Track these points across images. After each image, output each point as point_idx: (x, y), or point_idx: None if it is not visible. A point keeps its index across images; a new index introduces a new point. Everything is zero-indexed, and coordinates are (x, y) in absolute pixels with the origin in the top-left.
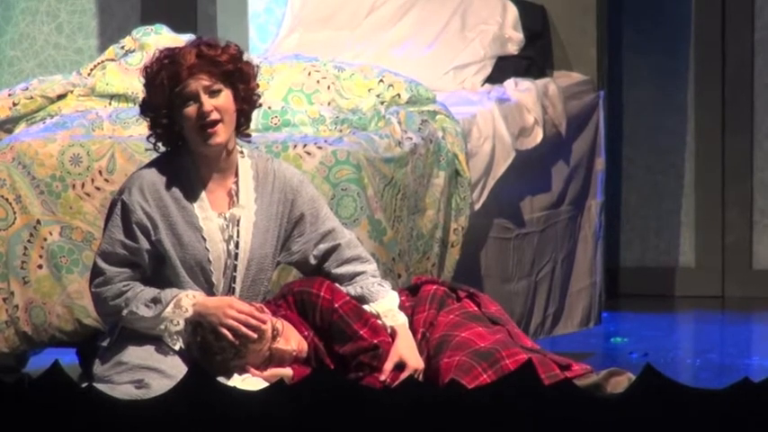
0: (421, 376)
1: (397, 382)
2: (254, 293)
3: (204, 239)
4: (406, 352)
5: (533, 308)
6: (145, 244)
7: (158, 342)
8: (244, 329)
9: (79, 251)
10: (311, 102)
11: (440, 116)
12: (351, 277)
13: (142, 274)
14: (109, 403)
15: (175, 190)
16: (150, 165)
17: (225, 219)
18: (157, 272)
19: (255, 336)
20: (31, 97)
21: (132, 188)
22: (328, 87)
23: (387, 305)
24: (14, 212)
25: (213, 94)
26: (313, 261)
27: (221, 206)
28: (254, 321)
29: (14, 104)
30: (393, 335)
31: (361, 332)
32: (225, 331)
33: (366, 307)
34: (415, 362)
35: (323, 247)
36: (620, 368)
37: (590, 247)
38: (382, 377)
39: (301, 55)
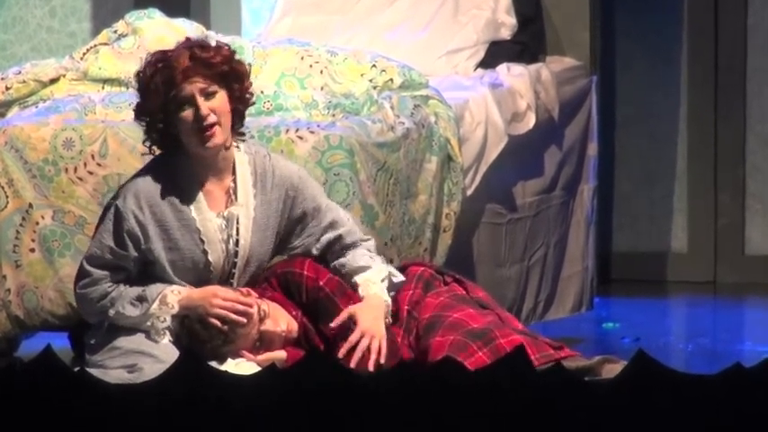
0: (381, 344)
1: (347, 344)
2: (249, 286)
3: (202, 241)
4: (362, 313)
5: (525, 293)
6: (133, 252)
7: (148, 332)
8: (232, 316)
9: (72, 235)
10: (304, 86)
11: (432, 101)
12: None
13: (128, 276)
14: (101, 387)
15: (172, 194)
16: (146, 169)
17: (223, 218)
18: (147, 271)
19: (244, 321)
20: (24, 81)
21: (127, 195)
22: (321, 72)
23: (366, 276)
24: (7, 196)
25: (209, 96)
26: (315, 252)
27: (219, 205)
28: (240, 307)
29: (7, 88)
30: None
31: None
32: (214, 321)
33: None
34: (367, 325)
35: (325, 238)
36: (614, 356)
37: (582, 232)
38: (333, 324)
39: (294, 39)
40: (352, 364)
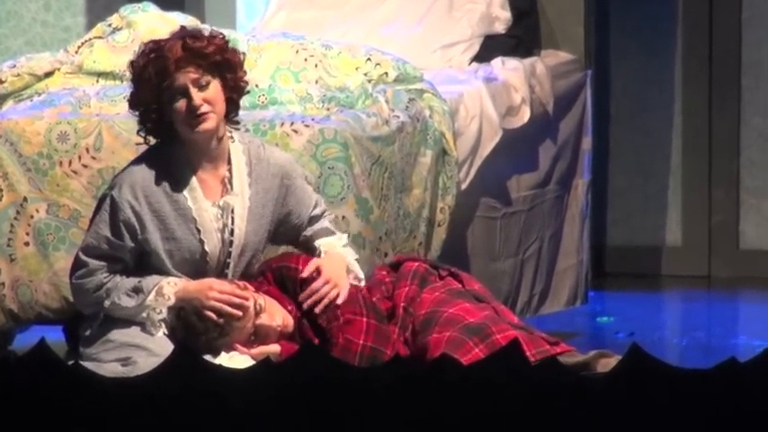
0: (341, 293)
1: (310, 290)
2: (245, 278)
3: (198, 231)
4: (326, 264)
5: (520, 287)
6: (129, 242)
7: (143, 324)
8: (228, 309)
9: (66, 229)
10: (298, 80)
11: (427, 95)
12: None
13: (124, 267)
14: (95, 381)
15: (167, 183)
16: (141, 159)
17: (219, 207)
18: (143, 262)
19: (240, 314)
20: (19, 75)
21: (123, 185)
22: (316, 66)
23: (329, 240)
24: (1, 190)
25: (202, 86)
26: (302, 235)
27: (214, 195)
28: (236, 300)
29: (1, 82)
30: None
31: None
32: (209, 313)
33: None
34: (330, 275)
35: (308, 219)
36: (609, 350)
37: (577, 226)
38: (304, 274)
39: (289, 33)
40: (305, 306)
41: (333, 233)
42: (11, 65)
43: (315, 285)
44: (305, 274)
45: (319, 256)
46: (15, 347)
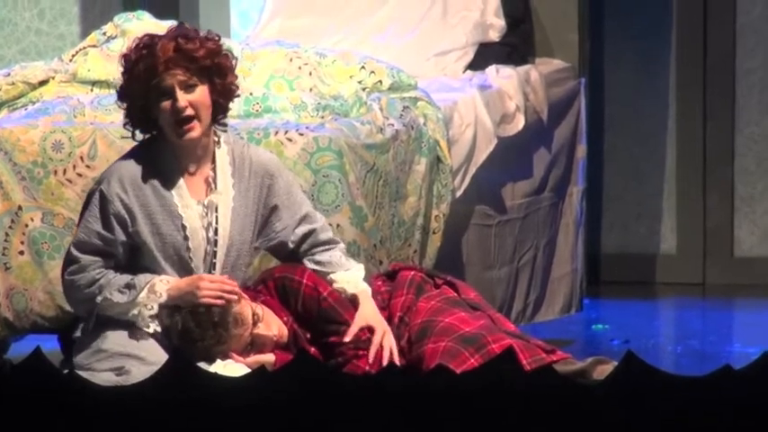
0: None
1: (374, 347)
2: (237, 283)
3: (184, 228)
4: (372, 316)
5: (515, 295)
6: (121, 236)
7: (135, 326)
8: (226, 296)
9: (61, 237)
10: (293, 88)
11: (421, 103)
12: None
13: (117, 263)
14: (91, 390)
15: (154, 179)
16: (129, 155)
17: (203, 206)
18: (134, 260)
19: (236, 298)
20: (13, 83)
21: (111, 179)
22: (310, 74)
23: (351, 274)
24: None
25: (189, 88)
26: (291, 246)
27: (199, 193)
28: (228, 287)
29: None
30: (353, 301)
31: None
32: (209, 300)
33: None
34: (381, 325)
35: (299, 231)
36: (605, 357)
37: (571, 234)
38: (346, 338)
39: (283, 41)
40: (381, 360)
41: (349, 267)
42: (5, 73)
43: (376, 341)
44: (347, 338)
45: (356, 305)
46: (10, 356)
